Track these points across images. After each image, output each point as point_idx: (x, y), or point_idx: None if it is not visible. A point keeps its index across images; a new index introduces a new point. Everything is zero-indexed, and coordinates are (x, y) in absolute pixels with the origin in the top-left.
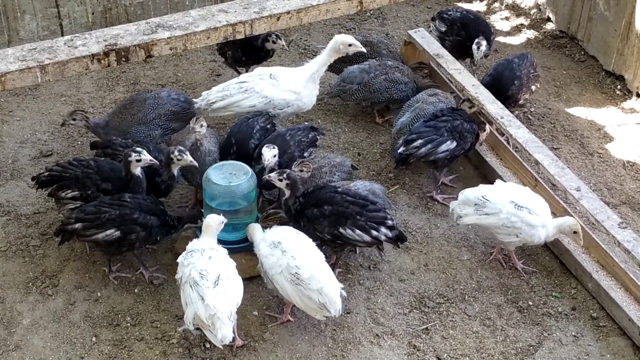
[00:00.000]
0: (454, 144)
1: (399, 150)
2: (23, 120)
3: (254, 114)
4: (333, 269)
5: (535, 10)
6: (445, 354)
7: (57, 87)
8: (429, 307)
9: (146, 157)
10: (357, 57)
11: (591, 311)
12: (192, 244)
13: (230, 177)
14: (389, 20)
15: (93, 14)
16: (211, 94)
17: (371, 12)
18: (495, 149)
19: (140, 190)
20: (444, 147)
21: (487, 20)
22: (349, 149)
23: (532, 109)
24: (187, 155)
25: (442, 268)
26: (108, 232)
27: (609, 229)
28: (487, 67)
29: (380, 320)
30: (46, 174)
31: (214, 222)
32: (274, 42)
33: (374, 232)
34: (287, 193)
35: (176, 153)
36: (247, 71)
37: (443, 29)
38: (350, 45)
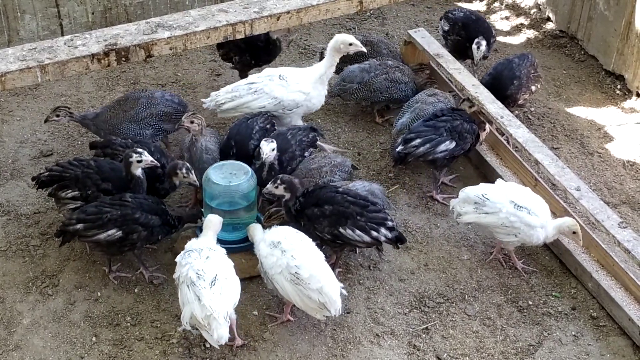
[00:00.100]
0: (453, 144)
1: (397, 149)
2: (23, 120)
3: (253, 114)
4: (333, 269)
5: (535, 10)
6: (445, 354)
7: (57, 87)
8: (429, 307)
9: (147, 158)
10: (357, 57)
11: (591, 311)
12: (191, 244)
13: (230, 176)
14: (389, 20)
15: (93, 13)
16: (220, 95)
17: (371, 12)
18: (495, 149)
19: (140, 191)
20: (442, 147)
21: (489, 23)
22: (349, 148)
23: (532, 109)
24: (192, 174)
25: (442, 268)
26: (110, 232)
27: (609, 229)
28: (488, 67)
29: (380, 320)
30: (46, 174)
31: (213, 222)
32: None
33: (374, 233)
34: (288, 195)
35: (184, 170)
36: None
37: (446, 28)
38: (350, 44)
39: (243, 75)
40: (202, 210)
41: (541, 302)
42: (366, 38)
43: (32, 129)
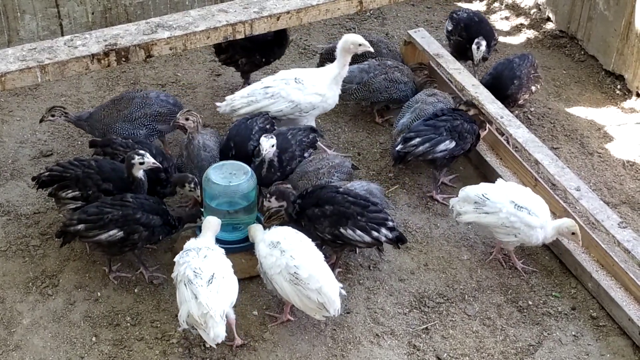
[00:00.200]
0: (453, 143)
1: (397, 148)
2: (23, 120)
3: (252, 115)
4: (333, 269)
5: (535, 10)
6: (445, 354)
7: (57, 87)
8: (428, 307)
9: (149, 159)
10: (356, 57)
11: (591, 311)
12: (189, 243)
13: (230, 176)
14: (389, 20)
15: (93, 13)
16: (236, 99)
17: (371, 12)
18: (495, 149)
19: (142, 192)
20: (442, 147)
21: (491, 25)
22: (349, 148)
23: (532, 109)
24: (198, 190)
25: (442, 268)
26: (111, 232)
27: (608, 229)
28: (488, 67)
29: (380, 320)
30: (47, 173)
31: (212, 224)
32: None
33: (375, 233)
34: (284, 203)
35: (192, 185)
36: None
37: (449, 28)
38: (360, 44)
39: (246, 76)
40: (202, 210)
41: (541, 302)
42: (366, 38)
43: (32, 129)
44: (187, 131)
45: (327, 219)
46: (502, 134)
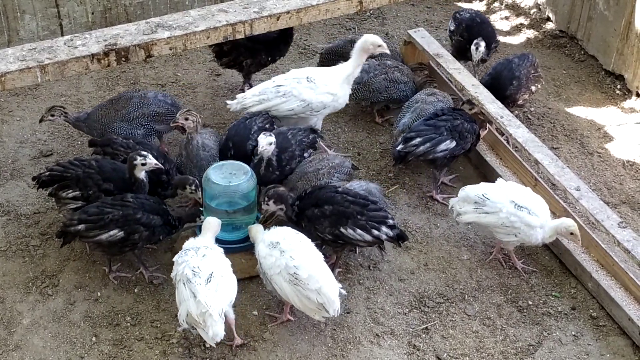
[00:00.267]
0: (453, 143)
1: (397, 148)
2: (23, 120)
3: (251, 114)
4: (333, 269)
5: (535, 9)
6: (445, 354)
7: (57, 87)
8: (428, 307)
9: (151, 161)
10: None
11: (591, 311)
12: (188, 243)
13: (230, 176)
14: (389, 20)
15: (93, 13)
16: (247, 97)
17: (371, 11)
18: (495, 149)
19: (143, 193)
20: (442, 147)
21: (493, 27)
22: (349, 148)
23: (532, 109)
24: (199, 192)
25: (442, 268)
26: (112, 232)
27: (608, 229)
28: (488, 67)
29: (380, 320)
30: (47, 173)
31: (212, 224)
32: None
33: (375, 232)
34: (282, 206)
35: (193, 187)
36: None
37: (452, 28)
38: (379, 46)
39: (248, 77)
40: (201, 209)
41: (541, 302)
42: None
43: (32, 129)
44: (185, 131)
45: (327, 219)
46: (502, 134)
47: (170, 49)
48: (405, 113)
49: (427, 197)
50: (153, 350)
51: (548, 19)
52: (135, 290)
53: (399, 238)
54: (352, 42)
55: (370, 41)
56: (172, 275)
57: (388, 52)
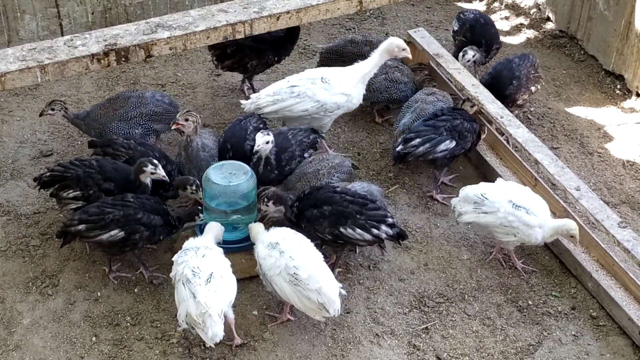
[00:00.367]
0: (453, 143)
1: (397, 149)
2: (23, 120)
3: (245, 115)
4: (333, 269)
5: (535, 9)
6: (445, 354)
7: (57, 87)
8: (428, 307)
9: (160, 172)
10: (356, 57)
11: (591, 310)
12: (188, 243)
13: (230, 176)
14: (389, 20)
15: (93, 13)
16: (261, 97)
17: (371, 11)
18: (495, 149)
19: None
20: (442, 147)
21: (497, 29)
22: (349, 148)
23: (532, 109)
24: (200, 192)
25: (441, 267)
26: (112, 232)
27: (608, 229)
28: (488, 67)
29: (380, 320)
30: (48, 174)
31: (214, 228)
32: None
33: (375, 231)
34: (281, 207)
35: (194, 187)
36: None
37: (455, 28)
38: (403, 49)
39: (250, 78)
40: (199, 208)
41: (541, 302)
42: (366, 38)
43: (32, 129)
44: (184, 133)
45: (327, 220)
46: (502, 134)
47: (170, 49)
48: (405, 113)
49: (427, 197)
50: (153, 350)
51: (548, 19)
52: (135, 290)
53: (399, 236)
54: (352, 42)
55: (395, 44)
56: (171, 275)
57: (410, 56)
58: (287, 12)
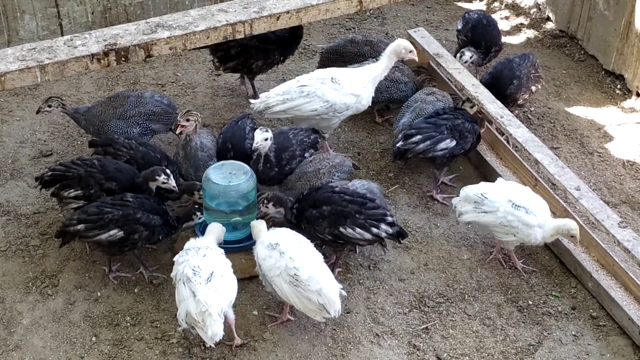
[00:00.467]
0: (454, 142)
1: (397, 145)
2: (23, 120)
3: (240, 116)
4: (333, 269)
5: (535, 9)
6: (445, 354)
7: (57, 87)
8: (428, 307)
9: (172, 182)
10: (356, 57)
11: (591, 310)
12: (189, 243)
13: (229, 176)
14: (389, 20)
15: (93, 13)
16: (270, 97)
17: (371, 11)
18: (495, 149)
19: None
20: (442, 145)
21: (499, 31)
22: (349, 148)
23: (532, 109)
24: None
25: (442, 267)
26: (111, 232)
27: (608, 228)
28: (489, 67)
29: (380, 320)
30: (49, 173)
31: (215, 229)
32: None
33: (375, 230)
34: (281, 209)
35: (201, 192)
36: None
37: (459, 27)
38: (410, 51)
39: (253, 78)
40: (197, 207)
41: (541, 302)
42: (366, 38)
43: (32, 129)
44: (182, 133)
45: (326, 220)
46: (502, 134)
47: (170, 49)
48: (405, 113)
49: (427, 197)
50: (153, 350)
51: (548, 18)
52: (135, 290)
53: (399, 235)
54: (352, 42)
55: (403, 45)
56: (172, 274)
57: (417, 59)
58: (287, 12)
